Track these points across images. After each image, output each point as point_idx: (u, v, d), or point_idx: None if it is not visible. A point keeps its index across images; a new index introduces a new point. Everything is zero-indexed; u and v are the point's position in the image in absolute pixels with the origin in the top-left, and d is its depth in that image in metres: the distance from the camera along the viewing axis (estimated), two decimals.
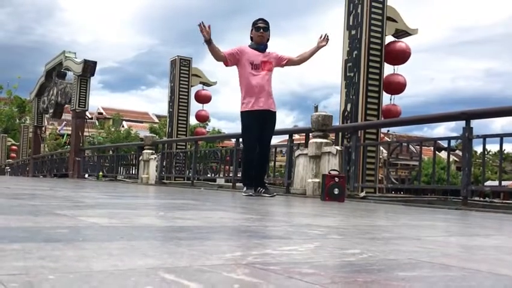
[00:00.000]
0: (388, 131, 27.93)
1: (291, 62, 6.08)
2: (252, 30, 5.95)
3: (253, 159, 5.91)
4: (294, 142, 8.07)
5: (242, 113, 5.88)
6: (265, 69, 5.86)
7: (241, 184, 8.52)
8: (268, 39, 6.01)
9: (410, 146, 7.07)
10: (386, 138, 21.07)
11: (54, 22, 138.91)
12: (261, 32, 5.88)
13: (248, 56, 5.84)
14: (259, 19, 5.98)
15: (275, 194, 5.96)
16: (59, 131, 40.00)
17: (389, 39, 8.79)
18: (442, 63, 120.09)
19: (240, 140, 7.91)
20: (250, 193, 5.76)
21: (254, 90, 5.79)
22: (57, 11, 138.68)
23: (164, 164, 11.68)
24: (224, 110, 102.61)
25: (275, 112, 5.98)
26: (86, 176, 16.30)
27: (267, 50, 5.97)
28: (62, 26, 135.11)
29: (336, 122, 7.71)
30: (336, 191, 5.39)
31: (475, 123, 5.49)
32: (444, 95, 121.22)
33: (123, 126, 46.31)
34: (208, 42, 5.59)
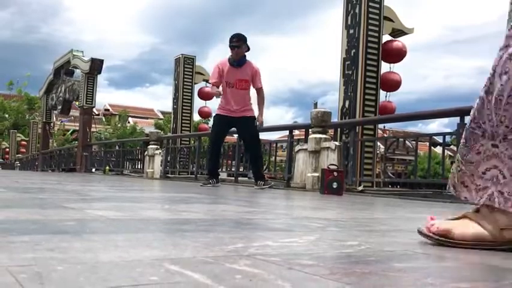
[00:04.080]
0: (384, 127, 27.94)
1: (257, 93, 6.21)
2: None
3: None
4: (294, 138, 8.07)
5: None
6: (239, 88, 6.03)
7: (245, 178, 8.57)
8: (246, 50, 6.07)
9: (407, 142, 7.07)
10: (381, 133, 21.06)
11: (60, 21, 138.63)
12: (234, 50, 5.97)
13: (225, 75, 6.02)
14: (233, 36, 6.02)
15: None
16: (61, 121, 39.75)
17: (386, 38, 8.78)
18: (436, 61, 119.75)
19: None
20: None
21: (230, 103, 6.06)
22: (62, 10, 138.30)
23: (169, 159, 11.68)
24: None
25: (252, 117, 6.17)
26: (93, 170, 16.32)
27: (247, 64, 6.05)
28: (67, 24, 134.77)
29: (335, 119, 7.71)
30: (335, 185, 5.39)
31: (468, 119, 5.49)
32: (438, 92, 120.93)
33: (129, 122, 46.27)
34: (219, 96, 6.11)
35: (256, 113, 6.23)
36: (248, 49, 6.07)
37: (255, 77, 6.06)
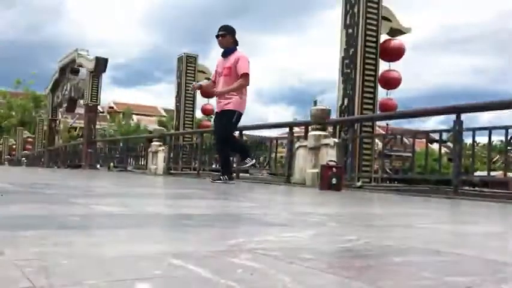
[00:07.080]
0: (387, 124, 27.98)
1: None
2: None
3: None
4: (294, 135, 8.06)
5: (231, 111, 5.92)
6: (221, 75, 5.93)
7: (246, 175, 8.53)
8: (232, 42, 5.97)
9: (404, 139, 7.07)
10: (380, 130, 20.98)
11: (63, 20, 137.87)
12: (218, 39, 5.99)
13: (217, 68, 6.08)
14: (219, 27, 6.07)
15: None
16: (70, 124, 39.87)
17: (384, 37, 8.77)
18: (433, 60, 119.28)
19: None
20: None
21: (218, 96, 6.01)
22: (65, 10, 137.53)
23: (171, 156, 11.68)
24: None
25: (227, 110, 5.84)
26: (98, 166, 16.32)
27: (234, 54, 5.92)
28: (70, 24, 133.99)
29: (334, 116, 7.70)
30: (334, 181, 5.38)
31: (464, 116, 5.48)
32: (434, 90, 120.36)
33: (132, 120, 46.27)
34: (200, 87, 6.74)
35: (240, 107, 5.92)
36: (236, 43, 6.04)
37: (237, 63, 5.84)
